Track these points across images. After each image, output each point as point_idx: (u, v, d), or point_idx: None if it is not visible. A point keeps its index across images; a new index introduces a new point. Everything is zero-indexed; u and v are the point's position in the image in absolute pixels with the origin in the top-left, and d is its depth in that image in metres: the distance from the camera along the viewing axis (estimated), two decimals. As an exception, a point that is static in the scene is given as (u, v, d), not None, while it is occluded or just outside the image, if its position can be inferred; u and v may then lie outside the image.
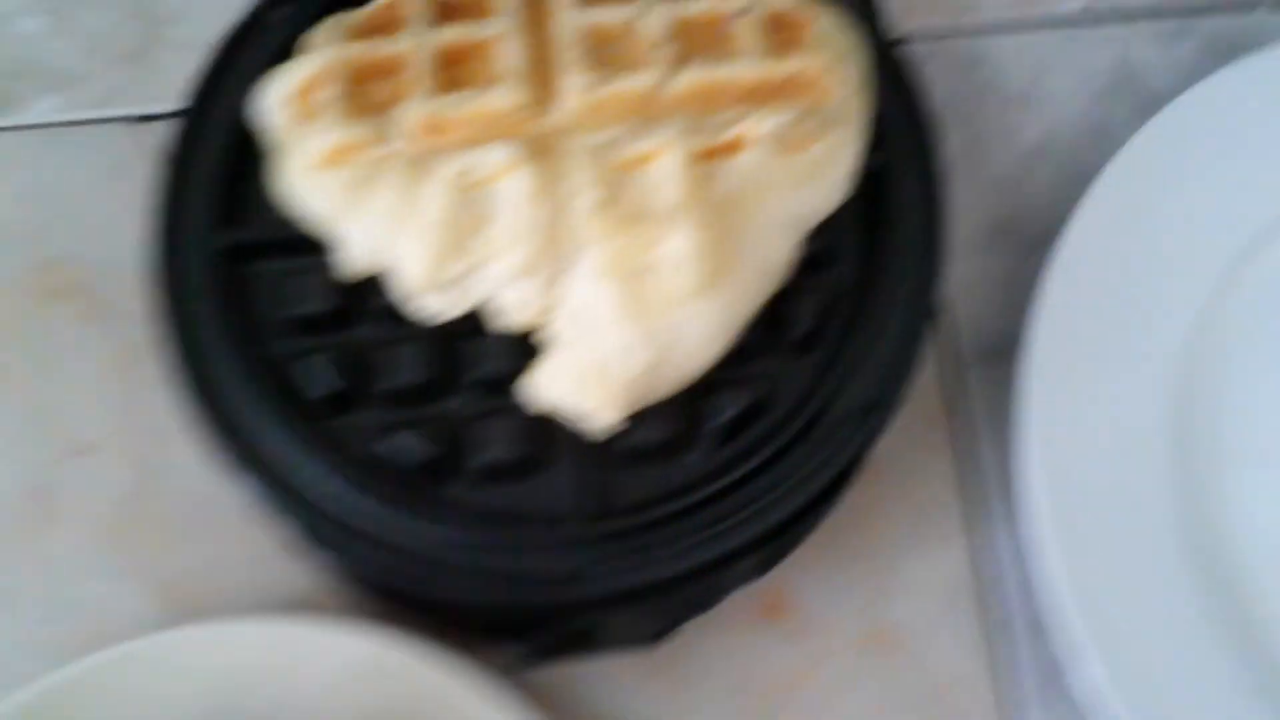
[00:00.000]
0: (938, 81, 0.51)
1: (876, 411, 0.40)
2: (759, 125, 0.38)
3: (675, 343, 0.37)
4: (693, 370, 0.38)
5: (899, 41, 0.44)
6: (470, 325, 0.39)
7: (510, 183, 0.37)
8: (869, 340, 0.41)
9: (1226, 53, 0.52)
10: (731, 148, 0.39)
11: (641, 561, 0.38)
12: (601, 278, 0.37)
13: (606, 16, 0.40)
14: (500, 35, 0.39)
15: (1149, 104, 0.49)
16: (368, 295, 0.39)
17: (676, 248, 0.37)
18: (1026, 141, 0.51)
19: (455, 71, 0.39)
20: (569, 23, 0.40)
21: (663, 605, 0.40)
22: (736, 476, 0.39)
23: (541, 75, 0.39)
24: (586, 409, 0.38)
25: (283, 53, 0.41)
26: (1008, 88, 0.51)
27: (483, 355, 0.39)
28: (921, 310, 0.41)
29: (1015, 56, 0.52)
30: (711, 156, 0.38)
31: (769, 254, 0.39)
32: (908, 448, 0.46)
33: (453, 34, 0.39)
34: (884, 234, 0.42)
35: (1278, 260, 0.47)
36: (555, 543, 0.38)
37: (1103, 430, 0.43)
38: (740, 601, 0.43)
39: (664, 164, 0.38)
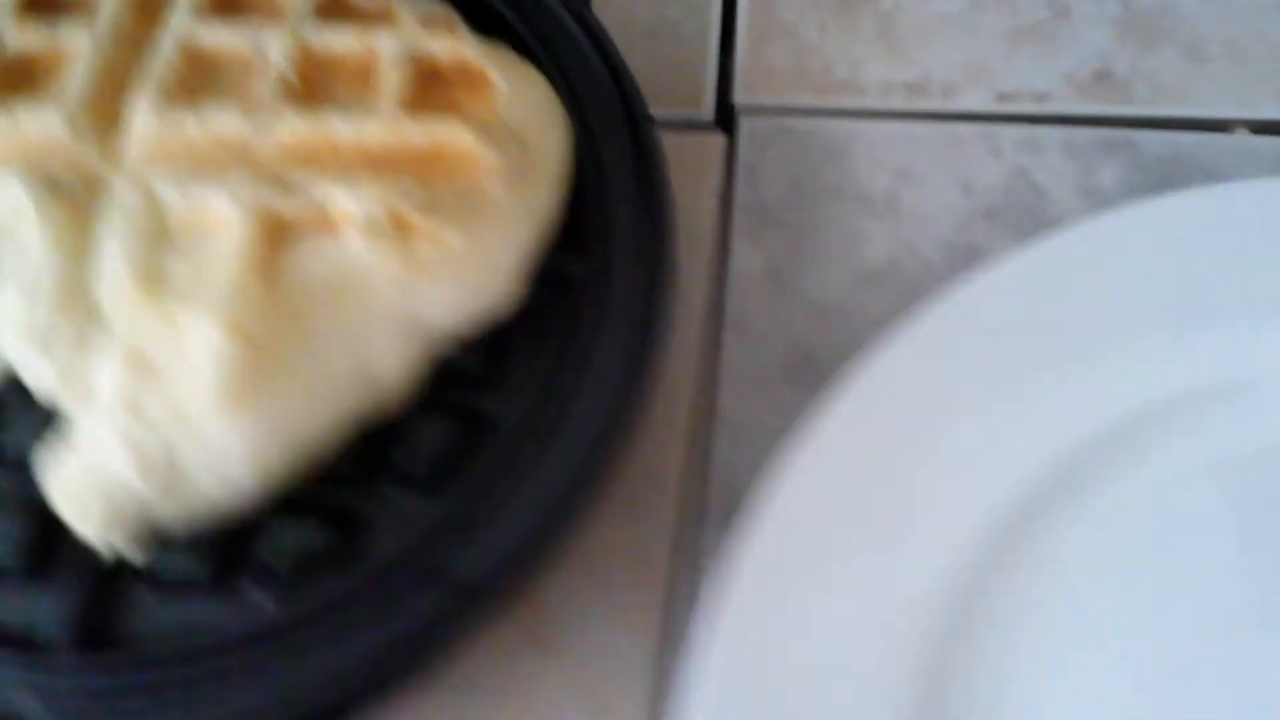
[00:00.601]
0: (779, 169, 0.41)
1: (477, 596, 0.30)
2: (356, 200, 0.29)
3: (189, 462, 0.29)
4: (227, 498, 0.30)
5: (650, 120, 0.35)
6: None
7: (26, 227, 0.30)
8: (506, 496, 0.31)
9: (1167, 184, 0.40)
10: (322, 224, 0.30)
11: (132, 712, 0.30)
12: (111, 363, 0.29)
13: (223, 37, 0.32)
14: (75, 42, 0.31)
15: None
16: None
17: (202, 344, 0.29)
18: (870, 259, 0.40)
19: (25, 80, 0.32)
20: (175, 38, 0.32)
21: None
22: (273, 633, 0.30)
23: (114, 99, 0.31)
24: (76, 523, 0.30)
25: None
26: (866, 189, 0.41)
27: (4, 423, 0.32)
28: (585, 470, 0.32)
29: (887, 151, 0.41)
30: (296, 231, 0.30)
31: (364, 364, 0.30)
32: (605, 614, 0.36)
33: (33, 35, 0.32)
34: (569, 361, 0.32)
35: (1120, 494, 0.34)
36: (20, 670, 0.30)
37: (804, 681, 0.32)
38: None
39: (227, 232, 0.30)
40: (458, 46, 0.32)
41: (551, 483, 0.31)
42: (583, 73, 0.35)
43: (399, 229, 0.30)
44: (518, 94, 0.32)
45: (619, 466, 0.33)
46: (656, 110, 0.41)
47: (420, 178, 0.30)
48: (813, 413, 0.35)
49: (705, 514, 0.37)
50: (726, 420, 0.38)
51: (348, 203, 0.29)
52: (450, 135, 0.30)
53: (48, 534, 0.31)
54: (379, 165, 0.30)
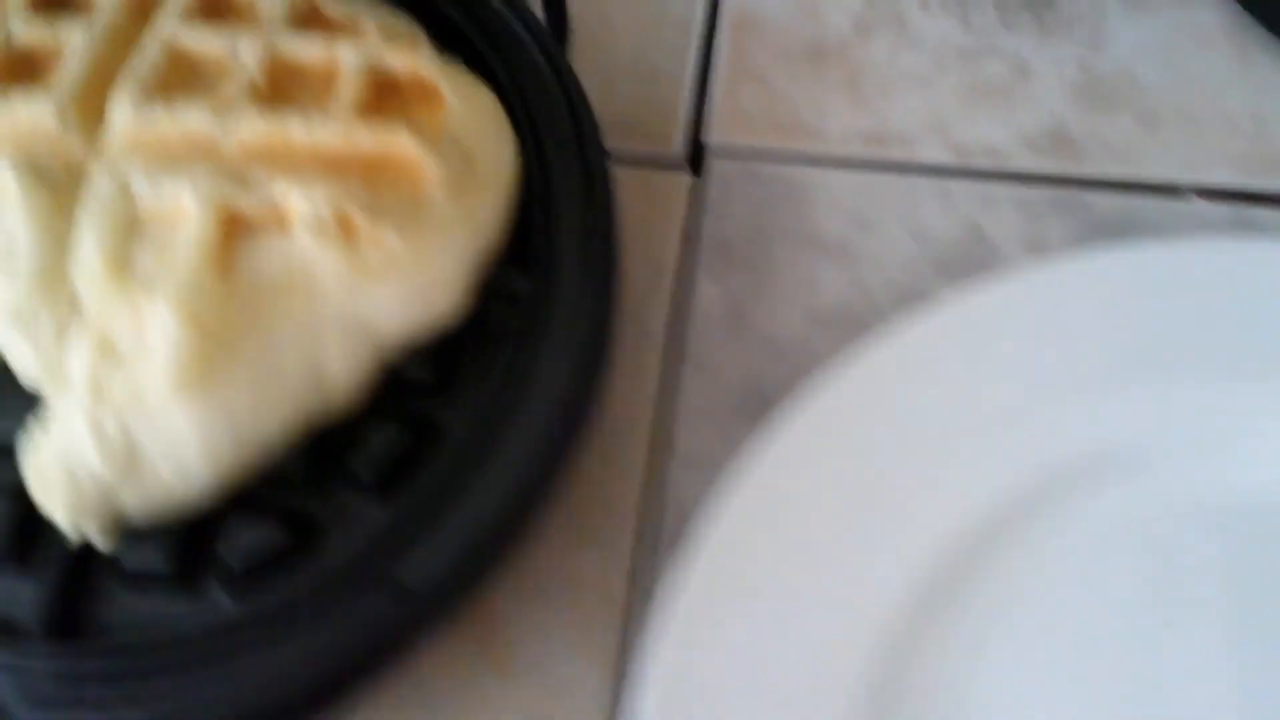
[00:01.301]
0: (743, 209, 0.42)
1: (422, 602, 0.31)
2: (306, 199, 0.31)
3: (147, 448, 0.30)
4: (183, 487, 0.31)
5: (602, 147, 0.36)
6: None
7: (10, 210, 0.31)
8: (453, 505, 0.32)
9: (1114, 243, 0.41)
10: (276, 220, 0.31)
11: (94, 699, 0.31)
12: (82, 347, 0.30)
13: (202, 39, 0.33)
14: (73, 39, 0.33)
15: (992, 285, 0.39)
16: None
17: (160, 330, 0.30)
18: (822, 300, 0.41)
19: (26, 71, 0.34)
20: (159, 38, 0.33)
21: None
22: (228, 629, 0.31)
23: (100, 93, 0.33)
24: (46, 507, 0.31)
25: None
26: (823, 233, 0.42)
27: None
28: (526, 488, 0.33)
29: (847, 198, 0.42)
30: (251, 226, 0.31)
31: (313, 361, 0.32)
32: (562, 641, 0.37)
33: (34, 32, 0.34)
34: (514, 374, 0.34)
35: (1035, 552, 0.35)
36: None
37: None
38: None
39: (189, 224, 0.31)
40: (414, 61, 0.33)
41: (496, 494, 0.32)
42: (540, 99, 0.36)
43: (344, 229, 0.31)
44: (468, 110, 0.33)
45: (563, 479, 0.34)
46: (630, 146, 0.43)
47: (368, 182, 0.32)
48: (753, 447, 0.36)
49: (659, 544, 0.38)
50: (681, 452, 0.39)
51: (299, 201, 0.31)
52: (397, 143, 0.32)
53: (30, 520, 0.32)
54: (331, 168, 0.32)
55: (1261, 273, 0.37)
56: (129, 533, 0.32)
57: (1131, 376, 0.36)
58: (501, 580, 0.36)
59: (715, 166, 0.43)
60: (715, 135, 0.44)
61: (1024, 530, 0.35)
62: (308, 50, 0.33)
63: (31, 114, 0.32)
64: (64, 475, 0.30)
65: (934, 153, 0.43)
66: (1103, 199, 0.42)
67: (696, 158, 0.44)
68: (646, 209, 0.43)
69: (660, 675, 0.33)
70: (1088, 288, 0.37)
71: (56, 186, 0.31)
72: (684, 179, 0.43)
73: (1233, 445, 0.35)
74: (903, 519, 0.35)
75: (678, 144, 0.44)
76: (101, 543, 0.31)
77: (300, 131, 0.31)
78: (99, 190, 0.31)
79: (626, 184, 0.42)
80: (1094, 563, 0.35)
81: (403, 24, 0.35)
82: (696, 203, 0.43)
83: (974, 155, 0.43)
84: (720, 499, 0.35)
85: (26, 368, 0.32)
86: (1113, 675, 0.34)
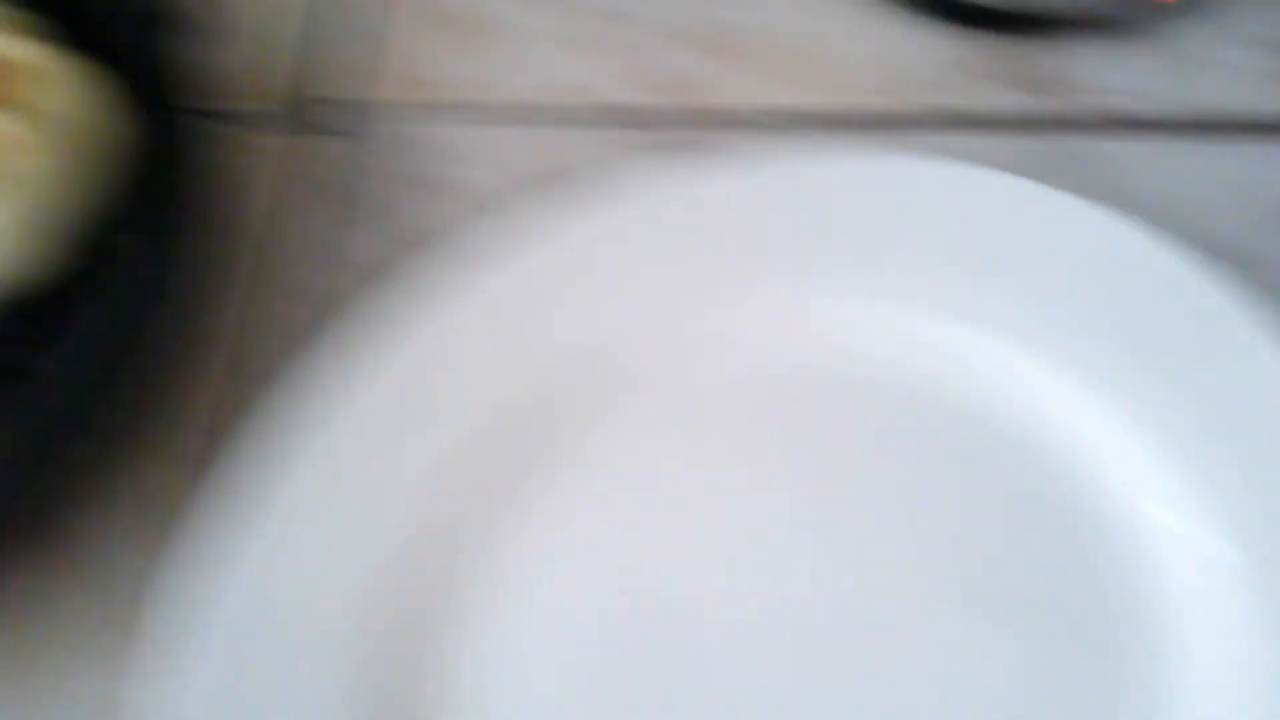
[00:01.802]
0: (360, 157, 0.46)
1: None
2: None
3: None
4: None
5: (184, 112, 0.40)
6: None
7: None
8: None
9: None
10: None
11: None
12: None
13: None
14: None
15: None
16: None
17: None
18: (412, 228, 0.44)
19: None
20: None
21: None
22: None
23: None
24: None
25: None
26: (424, 173, 0.46)
27: None
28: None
29: (456, 143, 0.46)
30: None
31: None
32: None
33: None
34: (96, 326, 0.38)
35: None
36: None
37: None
38: None
39: None
40: (26, 47, 0.37)
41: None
42: (140, 68, 0.40)
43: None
44: (75, 90, 0.38)
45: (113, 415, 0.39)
46: (245, 104, 0.46)
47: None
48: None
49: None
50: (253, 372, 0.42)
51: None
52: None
53: None
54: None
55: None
56: None
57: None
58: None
59: (324, 116, 0.46)
60: (327, 88, 0.47)
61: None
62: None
63: None
64: None
65: (531, 94, 0.47)
66: (708, 136, 0.45)
67: (307, 111, 0.47)
68: (262, 165, 0.46)
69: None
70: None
71: None
72: (292, 129, 0.46)
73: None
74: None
75: (290, 98, 0.47)
76: None
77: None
78: None
79: (248, 143, 0.45)
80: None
81: (20, 13, 0.39)
82: (308, 151, 0.46)
83: (566, 93, 0.47)
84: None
85: None
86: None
